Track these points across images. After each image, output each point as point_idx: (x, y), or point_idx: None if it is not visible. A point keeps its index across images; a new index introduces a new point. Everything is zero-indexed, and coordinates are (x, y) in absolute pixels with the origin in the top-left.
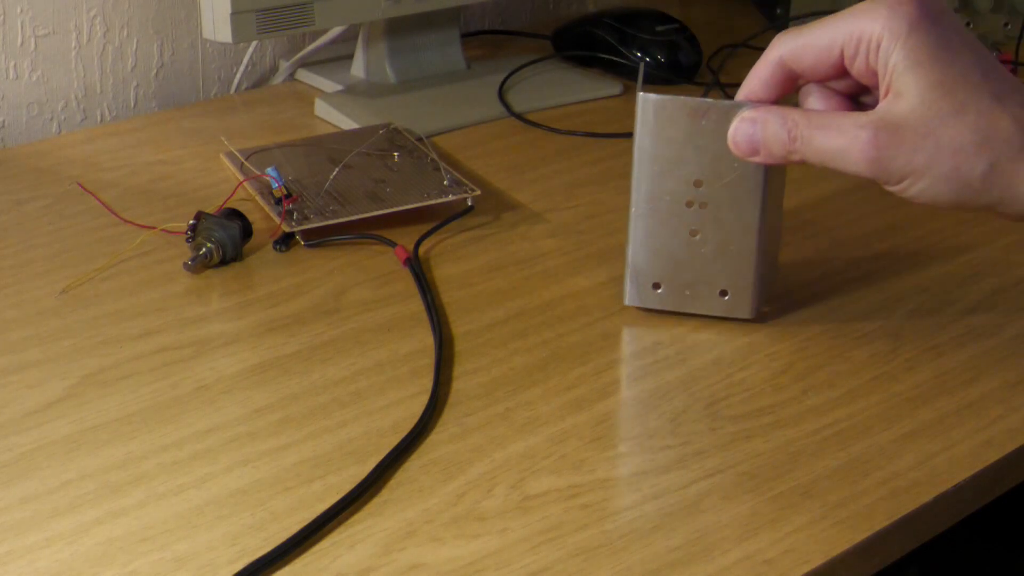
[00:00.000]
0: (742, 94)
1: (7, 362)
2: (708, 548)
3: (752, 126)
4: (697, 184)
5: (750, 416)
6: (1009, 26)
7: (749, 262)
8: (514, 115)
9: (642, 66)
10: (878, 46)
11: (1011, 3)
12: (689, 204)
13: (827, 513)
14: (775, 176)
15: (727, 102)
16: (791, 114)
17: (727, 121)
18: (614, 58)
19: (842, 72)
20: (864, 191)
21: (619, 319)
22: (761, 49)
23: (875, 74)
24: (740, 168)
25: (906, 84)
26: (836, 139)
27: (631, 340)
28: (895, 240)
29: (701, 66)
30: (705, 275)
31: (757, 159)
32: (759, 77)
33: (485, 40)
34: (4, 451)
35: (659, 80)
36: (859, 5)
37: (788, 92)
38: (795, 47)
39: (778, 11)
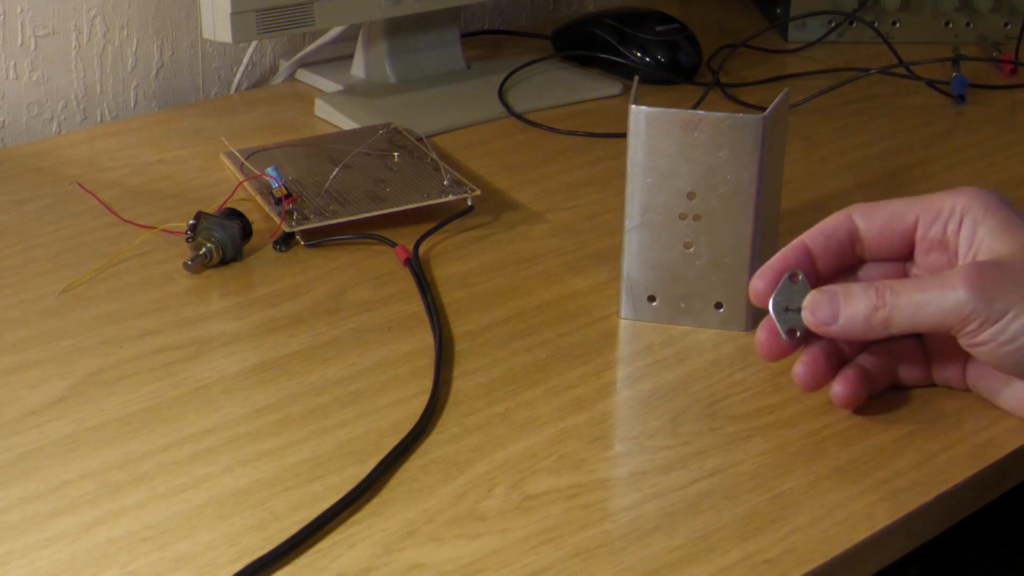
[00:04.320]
0: (804, 237)
1: (7, 362)
2: (708, 548)
3: (831, 295)
4: (690, 196)
5: (750, 416)
6: (1009, 26)
7: (743, 274)
8: (514, 115)
9: (636, 79)
10: (961, 218)
11: (1011, 3)
12: (683, 216)
13: (827, 513)
14: (769, 188)
15: (719, 114)
16: (874, 281)
17: (719, 132)
18: (614, 58)
19: (906, 241)
20: (864, 192)
21: (619, 319)
22: (761, 49)
23: (945, 246)
24: (733, 180)
25: (997, 246)
26: (930, 284)
27: (631, 340)
28: None
29: (701, 66)
30: (699, 287)
31: (834, 327)
32: (824, 225)
33: (485, 40)
34: (4, 451)
35: (659, 80)
36: (939, 191)
37: (843, 255)
38: (870, 207)
39: (778, 11)
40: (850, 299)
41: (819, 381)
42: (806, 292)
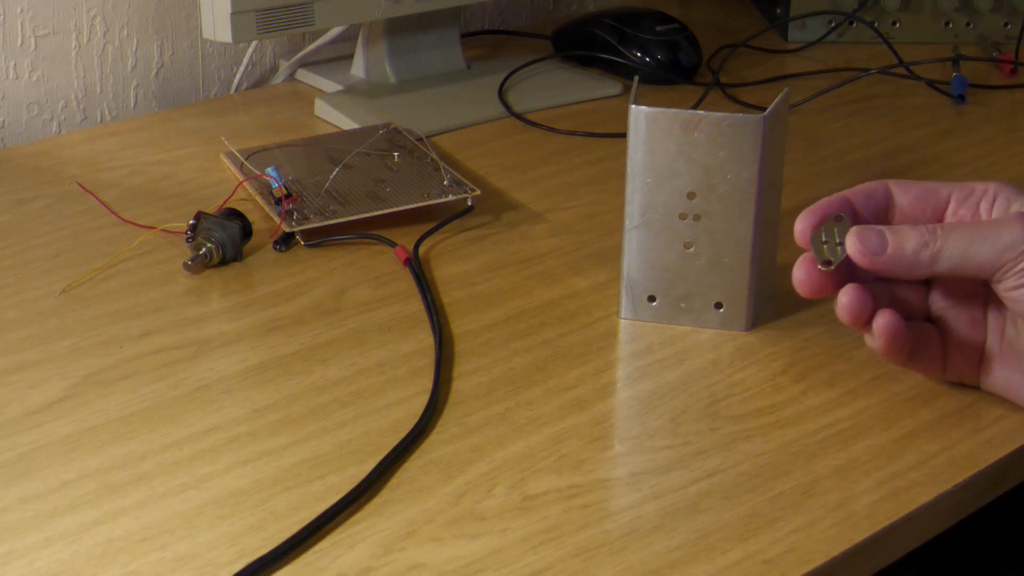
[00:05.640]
0: (846, 192)
1: (7, 362)
2: (708, 548)
3: (879, 229)
4: (690, 196)
5: (750, 416)
6: (1009, 26)
7: (743, 274)
8: (514, 115)
9: (636, 79)
10: (995, 197)
11: (1011, 3)
12: (683, 216)
13: (827, 513)
14: (769, 188)
15: (719, 114)
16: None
17: (719, 132)
18: (614, 58)
19: (937, 216)
20: None
21: (619, 319)
22: (761, 49)
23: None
24: (733, 180)
25: None
26: (983, 224)
27: (631, 340)
28: None
29: (701, 66)
30: (700, 287)
31: (881, 257)
32: (864, 185)
33: (485, 40)
34: (4, 451)
35: (659, 80)
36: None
37: (879, 217)
38: (905, 181)
39: (778, 11)
40: (898, 233)
41: (863, 310)
42: (848, 230)
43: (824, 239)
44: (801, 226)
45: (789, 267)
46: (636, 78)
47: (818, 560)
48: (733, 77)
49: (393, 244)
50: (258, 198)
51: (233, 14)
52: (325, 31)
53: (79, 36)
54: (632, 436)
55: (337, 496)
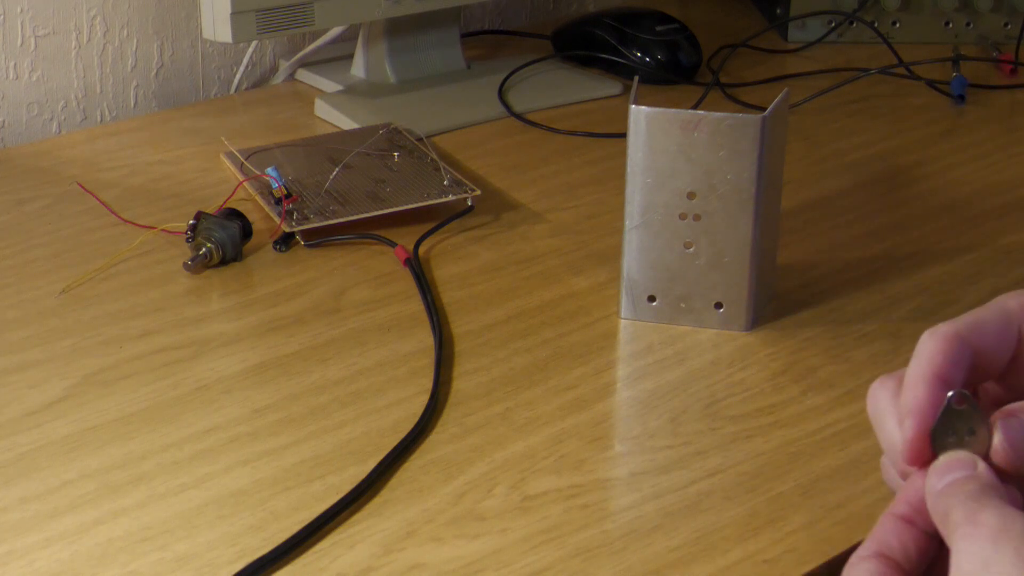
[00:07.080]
0: (925, 387)
1: (7, 362)
2: (708, 548)
3: None
4: (690, 196)
5: (750, 416)
6: (1009, 26)
7: (743, 274)
8: (514, 115)
9: (636, 79)
10: None
11: (1011, 3)
12: (683, 216)
13: (827, 513)
14: (769, 188)
15: (719, 114)
16: None
17: (719, 132)
18: (614, 58)
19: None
20: (864, 191)
21: (619, 319)
22: (761, 49)
23: None
24: (733, 180)
25: None
26: None
27: (631, 340)
28: (895, 240)
29: (701, 66)
30: (700, 287)
31: None
32: (945, 357)
33: (485, 40)
34: (4, 451)
35: (659, 80)
36: (1009, 294)
37: (966, 374)
38: (969, 324)
39: (778, 11)
40: None
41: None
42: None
43: (950, 436)
44: (916, 431)
45: (789, 267)
46: (636, 78)
47: (818, 560)
48: (733, 77)
49: (393, 244)
50: (258, 198)
51: (233, 14)
52: (325, 31)
53: (79, 36)
54: (632, 436)
55: (337, 496)
